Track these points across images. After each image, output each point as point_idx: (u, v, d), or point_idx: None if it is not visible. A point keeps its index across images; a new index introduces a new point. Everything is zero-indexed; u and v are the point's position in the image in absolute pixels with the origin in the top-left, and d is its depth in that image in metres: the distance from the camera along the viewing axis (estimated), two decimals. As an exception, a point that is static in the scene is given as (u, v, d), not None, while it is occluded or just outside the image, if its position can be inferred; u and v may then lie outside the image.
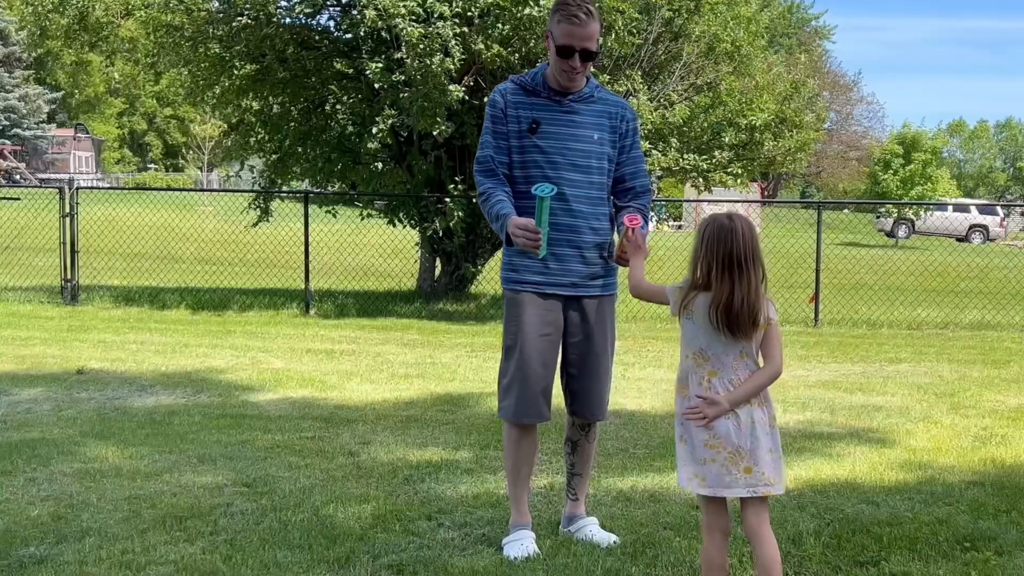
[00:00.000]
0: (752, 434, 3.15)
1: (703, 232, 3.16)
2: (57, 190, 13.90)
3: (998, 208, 41.95)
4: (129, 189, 33.64)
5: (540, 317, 3.98)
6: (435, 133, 11.96)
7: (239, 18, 12.23)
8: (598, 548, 3.97)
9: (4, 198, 21.32)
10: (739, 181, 14.15)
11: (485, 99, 12.69)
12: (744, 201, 28.56)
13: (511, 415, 4.03)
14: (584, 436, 4.26)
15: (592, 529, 4.13)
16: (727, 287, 3.10)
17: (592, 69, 4.09)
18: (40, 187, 23.42)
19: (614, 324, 4.16)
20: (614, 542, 4.02)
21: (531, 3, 11.32)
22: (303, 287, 13.42)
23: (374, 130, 12.00)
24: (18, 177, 49.10)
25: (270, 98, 13.85)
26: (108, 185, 44.21)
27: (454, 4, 11.63)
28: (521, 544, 3.92)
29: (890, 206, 36.36)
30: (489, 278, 14.79)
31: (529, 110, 3.97)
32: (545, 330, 4.00)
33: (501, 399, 4.07)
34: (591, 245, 3.99)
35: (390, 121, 12.00)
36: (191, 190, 42.94)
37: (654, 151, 13.27)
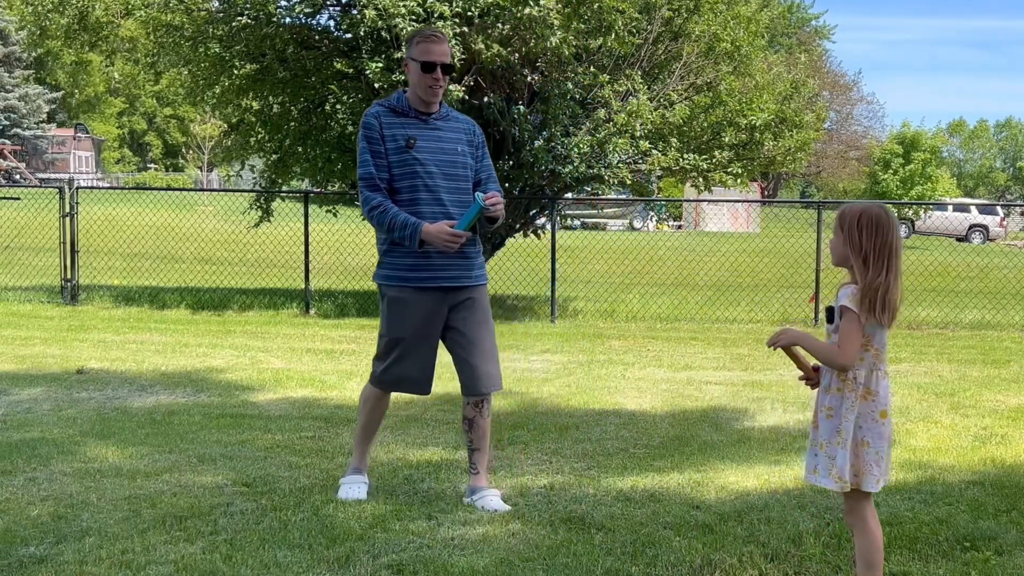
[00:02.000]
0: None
1: (859, 223, 3.16)
2: (57, 190, 13.90)
3: (998, 208, 41.95)
4: (129, 189, 33.63)
5: (423, 310, 4.54)
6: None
7: (239, 18, 12.22)
8: (599, 546, 3.97)
9: (4, 198, 21.33)
10: (739, 181, 14.15)
11: (485, 99, 12.75)
12: (744, 201, 28.61)
13: (380, 383, 4.67)
14: (479, 413, 4.70)
15: (492, 499, 4.57)
16: (892, 276, 3.18)
17: (449, 85, 4.62)
18: (40, 187, 23.42)
19: (489, 307, 4.80)
20: (507, 510, 4.49)
21: (531, 3, 11.32)
22: (303, 287, 13.42)
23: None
24: (18, 177, 49.10)
25: (270, 98, 13.84)
26: (108, 185, 44.20)
27: (454, 4, 11.62)
28: (352, 487, 4.65)
29: (890, 206, 36.33)
30: (489, 278, 14.77)
31: (402, 129, 4.55)
32: (427, 321, 4.56)
33: (381, 371, 4.64)
34: (467, 241, 4.56)
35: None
36: (191, 190, 42.94)
37: (654, 151, 13.27)
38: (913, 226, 38.58)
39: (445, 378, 8.14)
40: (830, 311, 3.28)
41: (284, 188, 14.84)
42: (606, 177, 13.30)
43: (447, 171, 4.59)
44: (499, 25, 11.63)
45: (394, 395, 7.34)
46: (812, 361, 3.39)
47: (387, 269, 4.60)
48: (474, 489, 4.64)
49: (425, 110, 4.60)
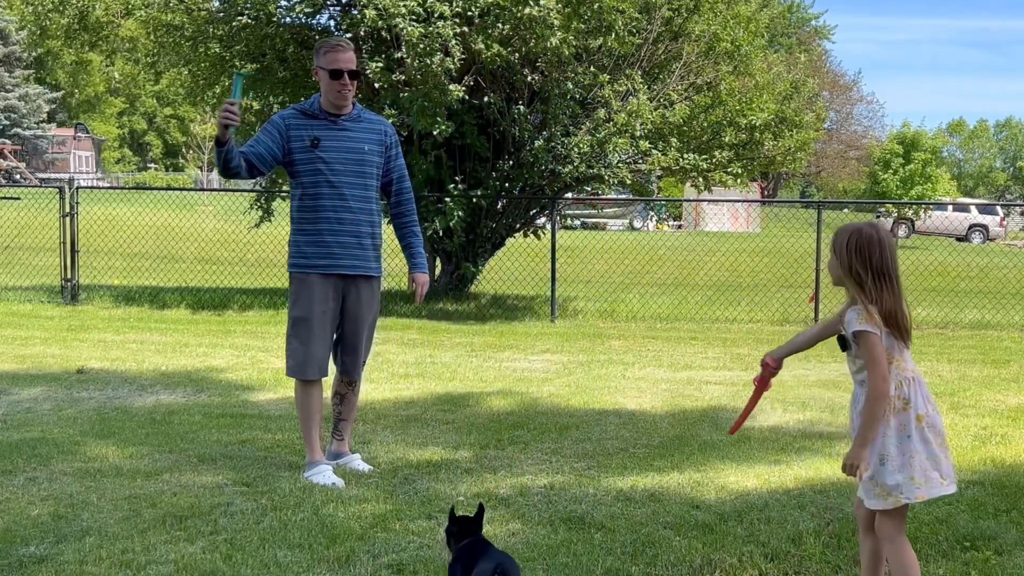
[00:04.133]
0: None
1: (848, 245, 3.18)
2: (57, 190, 13.90)
3: (998, 208, 41.92)
4: (129, 189, 33.60)
5: (324, 294, 4.96)
6: (435, 133, 11.96)
7: (239, 18, 12.23)
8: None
9: (4, 198, 21.32)
10: (739, 181, 14.15)
11: (486, 99, 12.75)
12: (744, 201, 28.61)
13: (297, 372, 5.01)
14: (351, 390, 5.23)
15: (357, 463, 5.14)
16: (895, 295, 3.15)
17: (354, 88, 4.99)
18: (40, 187, 23.42)
19: (379, 301, 5.26)
20: (371, 469, 5.05)
21: (531, 3, 11.32)
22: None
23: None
24: (18, 177, 49.09)
25: (270, 98, 13.84)
26: (108, 185, 44.19)
27: (454, 4, 11.62)
28: (324, 474, 4.89)
29: (890, 206, 36.34)
30: (489, 278, 14.79)
31: (309, 130, 4.97)
32: (328, 305, 4.98)
33: (288, 360, 5.05)
34: (367, 235, 5.06)
35: (390, 120, 11.99)
36: (191, 190, 42.89)
37: (654, 151, 13.27)
38: (913, 226, 38.55)
39: (445, 378, 8.18)
40: (843, 340, 3.28)
41: (284, 188, 14.83)
42: (606, 177, 13.30)
43: (352, 168, 4.99)
44: (499, 25, 11.63)
45: (394, 394, 7.39)
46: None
47: (294, 255, 5.03)
48: (338, 454, 5.19)
49: (335, 112, 5.01)
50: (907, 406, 3.16)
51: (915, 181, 37.31)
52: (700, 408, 7.05)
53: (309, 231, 4.99)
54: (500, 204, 14.02)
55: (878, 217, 39.79)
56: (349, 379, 5.20)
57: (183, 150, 64.71)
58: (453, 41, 11.43)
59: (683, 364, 9.26)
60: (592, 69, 13.00)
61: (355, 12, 12.17)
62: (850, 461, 3.15)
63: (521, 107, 12.93)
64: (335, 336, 5.11)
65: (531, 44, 11.80)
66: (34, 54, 53.60)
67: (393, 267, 16.92)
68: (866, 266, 3.15)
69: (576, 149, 12.89)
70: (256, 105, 14.08)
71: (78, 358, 8.77)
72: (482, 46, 11.62)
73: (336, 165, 4.96)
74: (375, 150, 5.07)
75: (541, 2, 11.32)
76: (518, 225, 14.54)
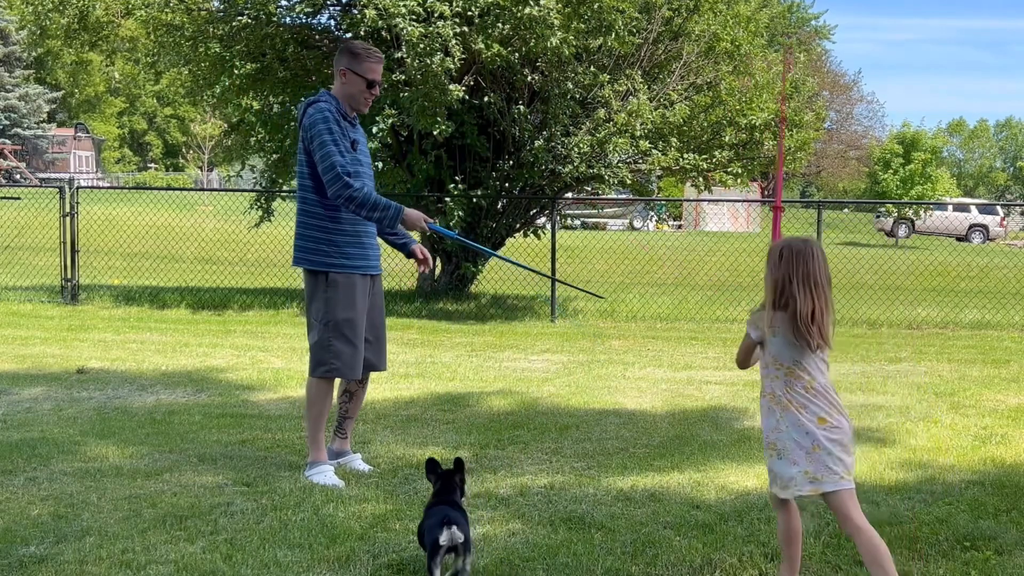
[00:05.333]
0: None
1: (780, 255, 3.41)
2: (57, 190, 13.90)
3: (998, 208, 41.91)
4: (129, 189, 33.60)
5: (365, 294, 5.08)
6: (435, 132, 11.96)
7: (239, 17, 12.22)
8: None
9: (4, 197, 21.33)
10: (739, 181, 14.14)
11: (486, 99, 12.75)
12: (744, 201, 28.61)
13: (347, 373, 5.03)
14: (361, 387, 5.31)
15: (358, 463, 5.19)
16: (810, 302, 3.33)
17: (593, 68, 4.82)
18: (40, 186, 23.42)
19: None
20: (371, 469, 5.11)
21: (531, 3, 11.31)
22: (303, 287, 13.39)
23: (374, 129, 11.99)
24: (18, 176, 49.10)
25: (270, 97, 13.84)
26: (108, 185, 44.20)
27: (454, 3, 11.62)
28: (326, 475, 4.94)
29: (890, 206, 36.34)
30: (489, 278, 14.79)
31: (346, 132, 5.03)
32: (366, 305, 5.10)
33: (332, 362, 4.97)
34: (375, 233, 5.22)
35: (390, 120, 11.99)
36: (191, 190, 42.91)
37: (654, 150, 13.27)
38: (913, 226, 38.55)
39: (445, 378, 8.17)
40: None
41: (284, 188, 14.84)
42: (606, 177, 13.30)
43: (369, 171, 5.20)
44: (499, 25, 11.62)
45: (394, 394, 7.39)
46: None
47: (333, 255, 5.01)
48: (340, 452, 5.23)
49: (351, 115, 5.12)
50: (801, 410, 3.38)
51: (915, 181, 37.29)
52: (700, 408, 7.05)
53: (349, 231, 5.02)
54: (500, 204, 14.02)
55: (878, 217, 39.84)
56: (365, 376, 5.26)
57: (183, 150, 64.71)
58: (453, 41, 11.43)
59: (683, 364, 9.26)
60: (592, 69, 12.99)
61: (355, 12, 12.16)
62: None
63: (521, 107, 12.93)
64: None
65: (531, 44, 11.80)
66: (34, 54, 53.55)
67: (393, 267, 16.90)
68: (797, 273, 3.35)
69: (576, 149, 12.89)
70: (256, 105, 14.09)
71: (78, 358, 8.77)
72: (482, 46, 11.62)
73: (365, 168, 5.12)
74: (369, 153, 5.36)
75: (541, 2, 11.31)
76: (518, 225, 14.54)
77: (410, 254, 5.34)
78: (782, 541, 3.60)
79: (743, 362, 3.62)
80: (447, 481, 3.76)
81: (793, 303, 3.33)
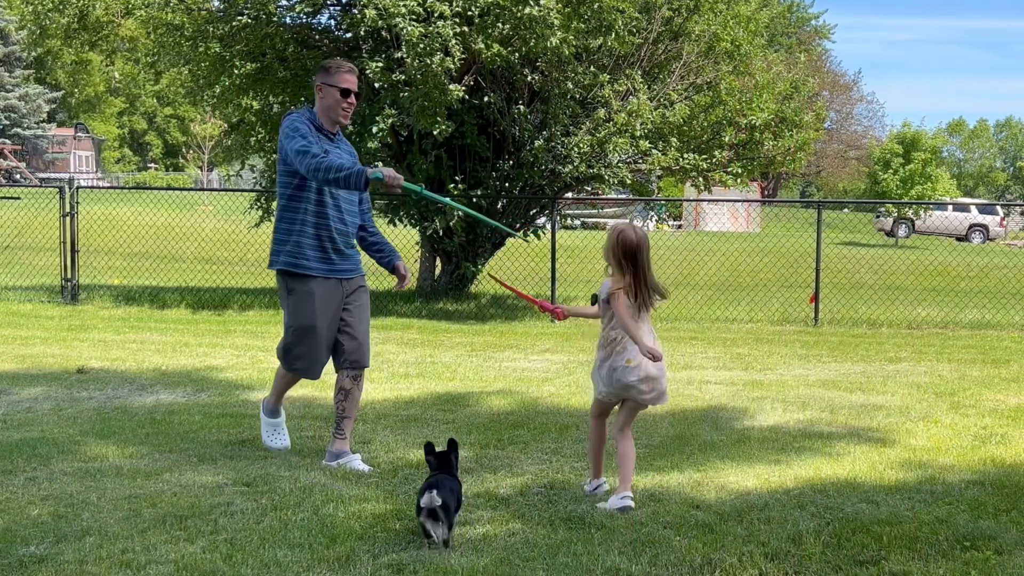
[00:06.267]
0: None
1: (616, 240, 4.56)
2: (57, 189, 13.90)
3: (998, 208, 41.90)
4: (129, 188, 33.58)
5: (329, 298, 5.25)
6: (435, 132, 11.96)
7: (239, 17, 12.22)
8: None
9: (4, 197, 21.34)
10: (739, 181, 14.15)
11: (486, 99, 12.75)
12: (744, 201, 28.60)
13: (306, 374, 5.39)
14: (356, 384, 5.38)
15: (357, 463, 5.22)
16: (640, 273, 4.56)
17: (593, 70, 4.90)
18: (40, 186, 23.43)
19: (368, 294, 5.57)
20: (370, 470, 5.16)
21: (531, 3, 11.31)
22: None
23: (374, 129, 12.00)
24: (18, 176, 49.10)
25: (270, 97, 13.84)
26: (108, 184, 44.19)
27: (454, 3, 11.62)
28: (280, 437, 5.57)
29: (890, 206, 36.33)
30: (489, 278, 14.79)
31: (320, 142, 5.19)
32: (332, 307, 5.27)
33: (291, 361, 5.35)
34: (351, 244, 5.40)
35: (390, 120, 12.00)
36: (191, 190, 42.91)
37: (654, 150, 13.27)
38: (913, 226, 38.55)
39: (445, 378, 8.17)
40: (595, 297, 4.78)
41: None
42: (606, 177, 13.30)
43: None
44: (499, 25, 11.62)
45: (394, 394, 7.39)
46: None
47: (291, 255, 5.25)
48: (340, 453, 5.28)
49: (331, 129, 5.32)
50: (623, 350, 4.58)
51: (915, 181, 37.28)
52: (700, 408, 7.05)
53: (310, 234, 5.25)
54: (500, 204, 14.02)
55: (878, 217, 39.83)
56: (355, 372, 5.37)
57: (183, 150, 64.70)
58: (453, 41, 11.43)
59: (683, 364, 9.26)
60: (592, 69, 12.99)
61: (355, 12, 12.16)
62: (648, 353, 4.50)
63: (521, 107, 12.93)
64: (342, 331, 5.36)
65: (531, 44, 11.80)
66: (34, 54, 53.50)
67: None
68: (624, 254, 4.54)
69: (576, 149, 12.89)
70: (256, 105, 14.10)
71: (78, 358, 8.77)
72: (482, 46, 11.62)
73: None
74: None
75: (541, 2, 11.31)
76: (518, 225, 14.54)
77: (393, 270, 5.53)
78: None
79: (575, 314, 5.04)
80: (443, 460, 4.22)
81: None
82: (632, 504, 4.45)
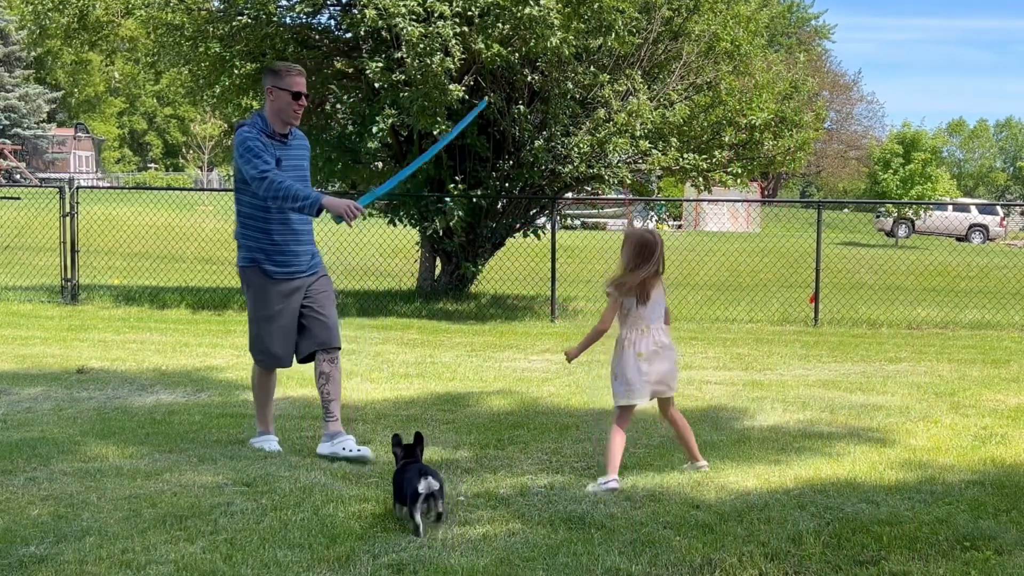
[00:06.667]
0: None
1: (633, 241, 5.01)
2: (57, 189, 13.90)
3: (998, 208, 41.90)
4: (129, 188, 33.57)
5: (282, 295, 5.50)
6: (435, 132, 11.96)
7: (239, 17, 12.22)
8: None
9: (4, 197, 21.35)
10: (739, 181, 14.14)
11: (486, 99, 12.73)
12: (744, 201, 28.60)
13: (267, 366, 5.66)
14: (334, 366, 5.57)
15: (351, 443, 5.42)
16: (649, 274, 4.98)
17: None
18: (40, 186, 23.43)
19: (332, 284, 5.80)
20: (367, 453, 5.37)
21: (531, 3, 11.31)
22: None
23: (374, 129, 12.00)
24: (18, 176, 49.10)
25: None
26: (108, 184, 44.19)
27: (454, 3, 11.62)
28: (270, 444, 5.60)
29: (890, 206, 36.33)
30: (489, 278, 14.79)
31: (272, 150, 5.40)
32: (290, 304, 5.52)
33: (255, 355, 5.64)
34: (308, 241, 5.61)
35: (390, 120, 12.00)
36: (191, 190, 42.89)
37: (654, 150, 13.27)
38: (913, 226, 38.55)
39: (445, 378, 8.17)
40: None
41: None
42: (606, 177, 13.30)
43: (299, 184, 5.43)
44: (499, 25, 11.62)
45: (394, 394, 7.39)
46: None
47: (254, 252, 5.53)
48: (335, 435, 5.47)
49: (283, 131, 5.48)
50: (633, 346, 5.08)
51: (915, 181, 37.28)
52: (700, 408, 7.05)
53: (264, 231, 5.53)
54: (500, 204, 14.02)
55: (878, 217, 39.84)
56: (331, 356, 5.58)
57: (183, 150, 64.70)
58: (453, 41, 11.43)
59: (683, 364, 9.22)
60: (592, 69, 12.99)
61: (355, 12, 12.16)
62: (567, 354, 5.31)
63: (521, 107, 12.93)
64: (310, 318, 5.61)
65: (531, 44, 11.80)
66: (34, 54, 53.54)
67: (393, 267, 16.93)
68: (639, 255, 4.96)
69: (576, 149, 12.89)
70: (256, 105, 14.09)
71: (78, 358, 8.77)
72: (482, 46, 11.62)
73: (293, 179, 5.45)
74: (307, 165, 5.71)
75: (541, 2, 11.31)
76: (518, 225, 14.54)
77: None
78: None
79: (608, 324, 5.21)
80: (410, 451, 4.55)
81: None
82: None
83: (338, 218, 5.22)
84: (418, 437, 4.60)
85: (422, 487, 4.12)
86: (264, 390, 5.74)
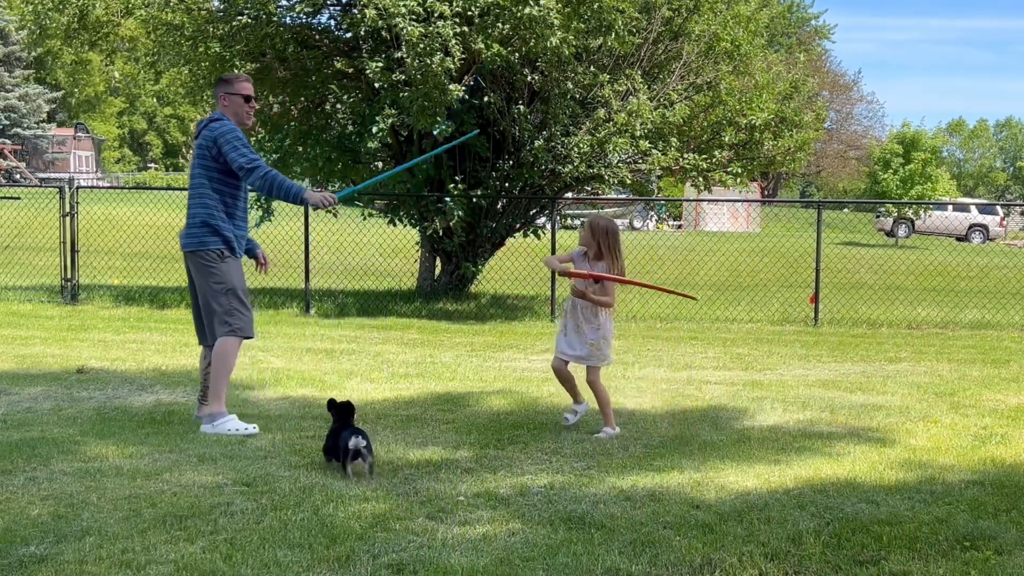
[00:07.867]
0: None
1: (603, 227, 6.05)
2: (57, 189, 13.90)
3: (998, 208, 41.90)
4: (129, 188, 33.55)
5: (239, 268, 6.20)
6: (435, 132, 11.96)
7: (239, 17, 12.22)
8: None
9: (4, 197, 21.35)
10: (739, 180, 14.15)
11: (485, 98, 12.75)
12: (744, 201, 28.60)
13: (249, 333, 6.14)
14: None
15: (234, 422, 5.96)
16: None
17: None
18: (40, 186, 23.43)
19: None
20: (254, 430, 5.92)
21: (531, 3, 11.32)
22: (303, 287, 13.42)
23: (374, 129, 12.00)
24: (18, 176, 49.09)
25: (270, 97, 13.84)
26: (108, 184, 44.18)
27: (454, 3, 11.62)
28: (235, 421, 6.00)
29: (890, 206, 36.33)
30: (489, 277, 14.80)
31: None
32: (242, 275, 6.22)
33: (234, 324, 6.06)
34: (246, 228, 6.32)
35: (390, 120, 12.00)
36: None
37: (654, 151, 13.27)
38: (913, 226, 38.55)
39: (445, 378, 8.18)
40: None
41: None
42: (606, 177, 13.30)
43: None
44: (499, 25, 11.63)
45: (394, 394, 7.39)
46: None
47: (222, 233, 6.08)
48: (213, 415, 5.99)
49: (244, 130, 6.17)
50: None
51: (915, 181, 37.29)
52: (700, 408, 7.05)
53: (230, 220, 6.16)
54: (500, 204, 14.02)
55: (878, 217, 39.84)
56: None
57: (183, 150, 64.77)
58: (453, 41, 11.43)
59: (683, 364, 9.26)
60: (592, 69, 12.99)
61: (355, 12, 12.16)
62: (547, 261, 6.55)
63: (521, 107, 12.93)
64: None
65: (531, 44, 11.80)
66: (34, 54, 53.57)
67: (393, 267, 16.93)
68: (609, 241, 6.01)
69: (576, 149, 12.89)
70: (256, 105, 14.08)
71: (78, 358, 8.77)
72: (482, 46, 11.62)
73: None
74: None
75: (541, 2, 11.31)
76: (518, 225, 14.54)
77: (253, 256, 6.51)
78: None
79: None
80: (343, 412, 5.26)
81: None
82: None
83: (314, 206, 6.05)
84: (350, 406, 5.31)
85: (352, 444, 4.92)
86: (233, 363, 6.16)
